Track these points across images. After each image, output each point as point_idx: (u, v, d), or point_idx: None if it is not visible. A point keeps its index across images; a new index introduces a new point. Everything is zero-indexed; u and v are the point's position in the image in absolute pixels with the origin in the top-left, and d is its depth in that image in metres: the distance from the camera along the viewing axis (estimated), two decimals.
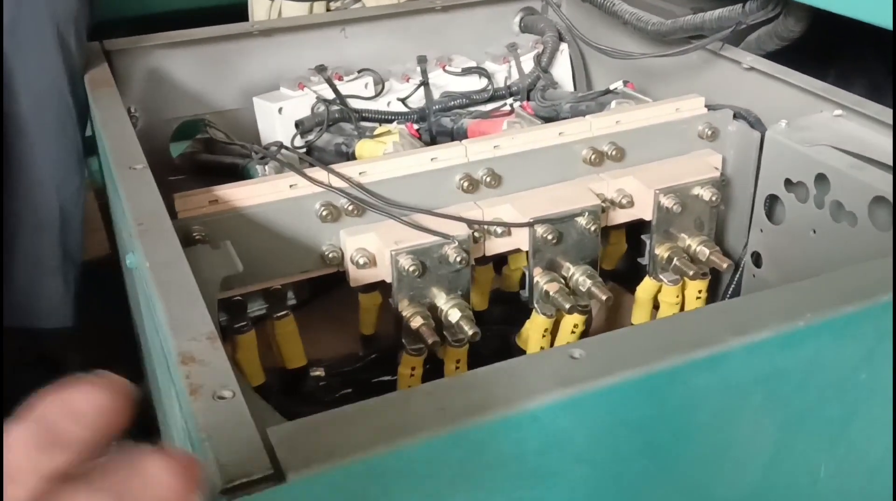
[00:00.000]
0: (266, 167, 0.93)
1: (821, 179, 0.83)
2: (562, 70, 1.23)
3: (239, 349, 0.86)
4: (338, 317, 1.00)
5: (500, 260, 0.99)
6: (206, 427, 0.46)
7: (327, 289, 0.99)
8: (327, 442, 0.45)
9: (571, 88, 1.23)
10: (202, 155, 1.07)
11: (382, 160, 0.86)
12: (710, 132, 0.94)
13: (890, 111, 0.83)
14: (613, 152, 0.91)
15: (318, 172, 0.83)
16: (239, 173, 0.97)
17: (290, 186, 0.81)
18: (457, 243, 0.82)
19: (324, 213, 0.81)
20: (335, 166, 0.84)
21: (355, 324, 0.97)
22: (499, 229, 0.86)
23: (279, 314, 0.88)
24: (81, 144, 1.02)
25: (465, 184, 0.86)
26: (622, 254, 1.04)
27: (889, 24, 0.77)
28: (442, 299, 0.84)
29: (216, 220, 0.79)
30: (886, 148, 0.81)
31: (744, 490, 0.58)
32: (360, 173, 0.84)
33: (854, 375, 0.58)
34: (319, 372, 0.95)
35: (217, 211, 0.79)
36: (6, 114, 0.96)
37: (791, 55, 1.01)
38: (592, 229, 0.86)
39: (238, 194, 0.80)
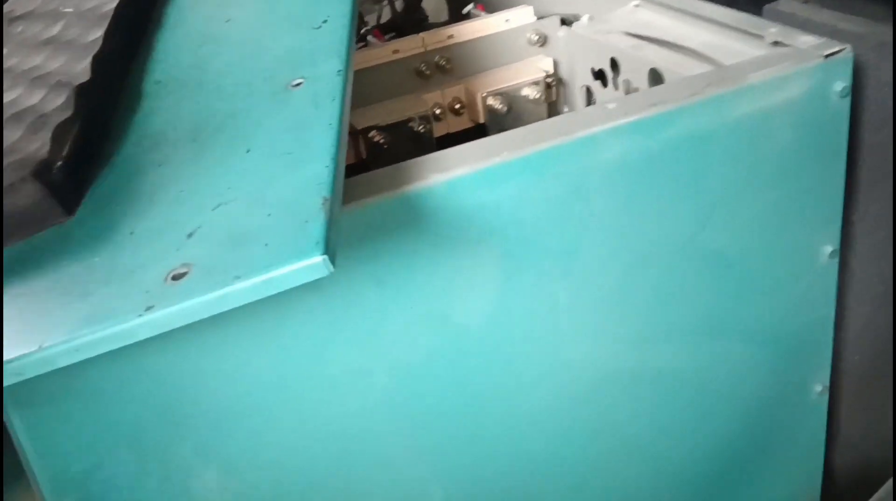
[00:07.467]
0: None
1: (613, 63, 0.91)
2: None
3: None
4: None
5: None
6: None
7: None
8: None
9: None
10: None
11: None
12: (536, 38, 1.02)
13: None
14: (445, 64, 1.00)
15: None
16: None
17: None
18: None
19: None
20: None
21: None
22: None
23: None
24: None
25: None
26: None
27: None
28: None
29: None
30: (670, 29, 0.88)
31: (484, 313, 0.67)
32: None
33: (566, 207, 0.66)
34: None
35: None
36: None
37: None
38: (423, 130, 0.95)
39: None
